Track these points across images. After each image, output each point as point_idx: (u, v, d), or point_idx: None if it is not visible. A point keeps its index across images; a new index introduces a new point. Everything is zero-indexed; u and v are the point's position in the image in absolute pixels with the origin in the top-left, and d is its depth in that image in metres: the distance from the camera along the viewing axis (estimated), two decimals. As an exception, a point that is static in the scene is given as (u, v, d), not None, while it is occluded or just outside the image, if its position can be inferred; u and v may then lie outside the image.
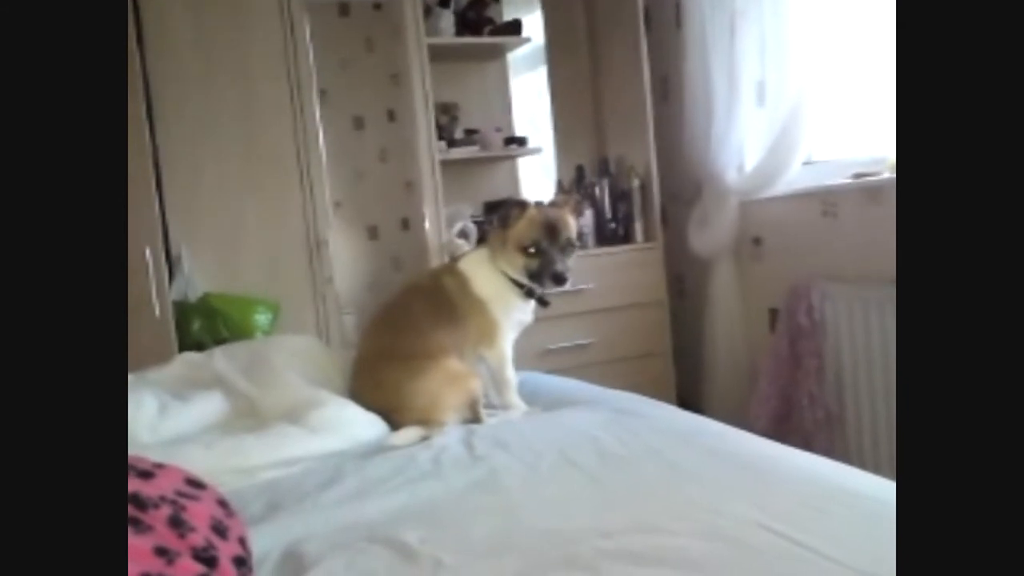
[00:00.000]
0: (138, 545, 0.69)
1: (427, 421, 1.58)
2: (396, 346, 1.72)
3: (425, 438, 1.53)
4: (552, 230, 1.72)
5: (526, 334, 1.88)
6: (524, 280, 1.75)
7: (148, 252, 2.39)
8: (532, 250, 1.71)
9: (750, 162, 2.75)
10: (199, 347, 2.34)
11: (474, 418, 1.66)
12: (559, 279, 1.71)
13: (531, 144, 3.23)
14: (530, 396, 1.82)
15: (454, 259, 1.95)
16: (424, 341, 1.71)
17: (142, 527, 0.72)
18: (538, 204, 1.83)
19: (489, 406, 1.77)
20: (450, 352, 1.71)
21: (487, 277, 1.77)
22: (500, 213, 1.78)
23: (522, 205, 1.78)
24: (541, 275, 1.72)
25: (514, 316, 1.80)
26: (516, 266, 1.74)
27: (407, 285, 1.92)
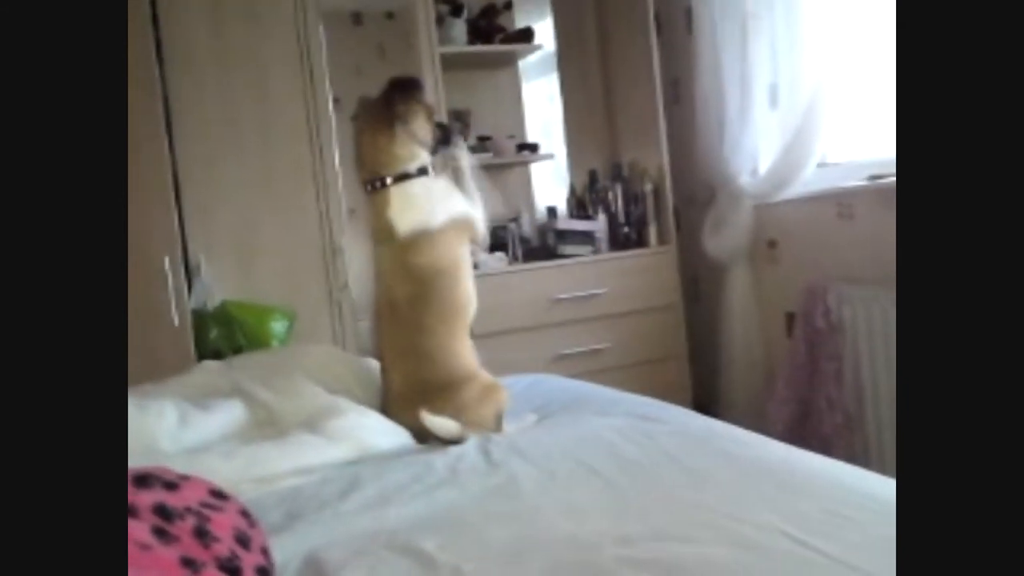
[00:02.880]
0: (165, 555, 0.70)
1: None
2: (424, 373, 1.66)
3: (460, 438, 1.52)
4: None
5: (541, 340, 1.86)
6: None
7: (167, 261, 2.42)
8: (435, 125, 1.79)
9: (764, 165, 2.74)
10: (217, 355, 2.35)
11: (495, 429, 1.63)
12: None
13: (544, 150, 3.24)
14: (546, 400, 1.82)
15: (401, 242, 1.66)
16: (449, 357, 1.68)
17: (168, 538, 0.73)
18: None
19: None
20: (470, 358, 1.70)
21: (440, 209, 1.69)
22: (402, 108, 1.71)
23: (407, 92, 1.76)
24: (449, 134, 1.85)
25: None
26: (429, 138, 1.76)
27: (386, 293, 1.72)
